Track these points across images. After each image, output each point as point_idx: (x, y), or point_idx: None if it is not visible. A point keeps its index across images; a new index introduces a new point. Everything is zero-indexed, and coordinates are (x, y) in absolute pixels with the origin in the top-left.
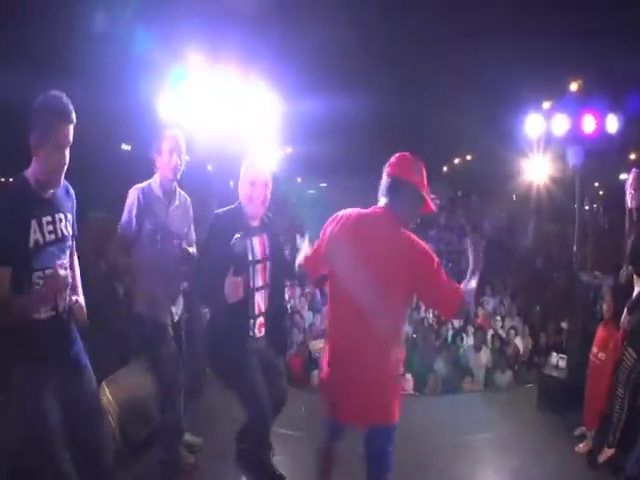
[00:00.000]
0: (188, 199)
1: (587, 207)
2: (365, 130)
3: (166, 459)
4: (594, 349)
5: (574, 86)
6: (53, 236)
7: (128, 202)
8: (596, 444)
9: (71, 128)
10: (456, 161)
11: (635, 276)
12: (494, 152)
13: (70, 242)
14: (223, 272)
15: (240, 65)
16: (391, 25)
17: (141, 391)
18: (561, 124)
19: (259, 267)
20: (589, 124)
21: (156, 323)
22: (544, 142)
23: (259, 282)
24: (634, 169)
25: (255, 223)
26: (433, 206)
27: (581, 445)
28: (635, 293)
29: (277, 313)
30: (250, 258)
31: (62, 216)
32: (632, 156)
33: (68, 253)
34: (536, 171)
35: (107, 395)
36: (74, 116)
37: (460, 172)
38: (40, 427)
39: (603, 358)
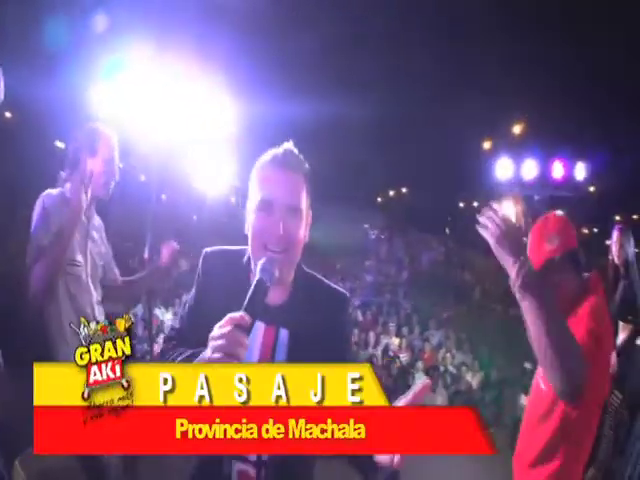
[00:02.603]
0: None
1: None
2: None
3: None
4: None
5: (517, 128)
6: None
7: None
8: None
9: None
10: (391, 193)
11: (621, 323)
12: (431, 186)
13: None
14: None
15: (192, 59)
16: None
17: (69, 470)
18: (530, 169)
19: None
20: (558, 171)
21: None
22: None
23: None
24: (617, 226)
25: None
26: None
27: None
28: (620, 339)
29: None
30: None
31: None
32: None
33: None
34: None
35: (22, 477)
36: None
37: (395, 204)
38: None
39: None
